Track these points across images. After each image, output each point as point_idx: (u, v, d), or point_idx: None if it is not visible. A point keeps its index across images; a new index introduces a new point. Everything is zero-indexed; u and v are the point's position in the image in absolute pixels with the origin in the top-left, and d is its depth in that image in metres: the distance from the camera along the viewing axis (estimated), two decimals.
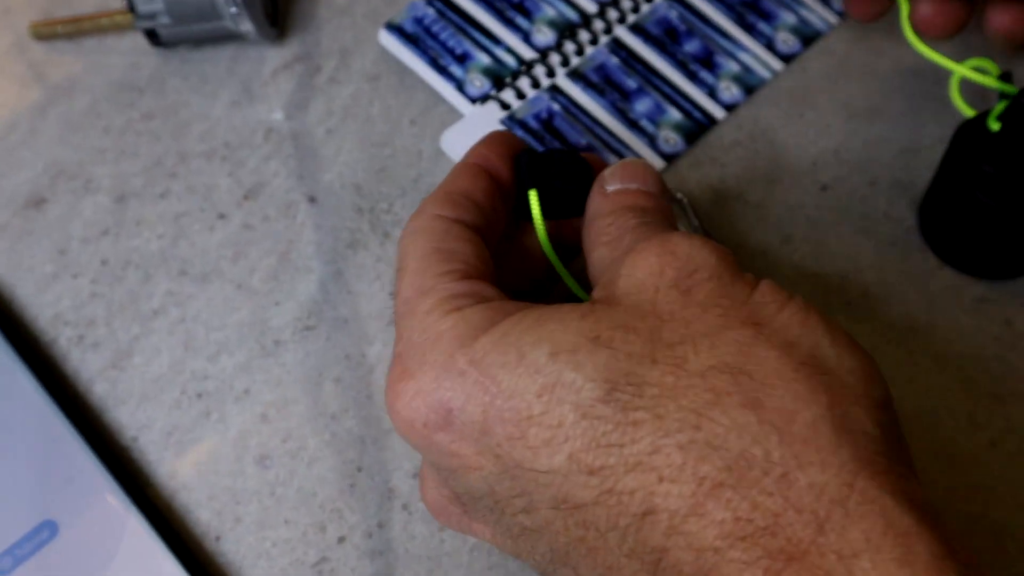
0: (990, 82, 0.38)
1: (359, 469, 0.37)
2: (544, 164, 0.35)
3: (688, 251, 0.28)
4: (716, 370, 0.25)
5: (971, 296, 0.41)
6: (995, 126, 0.37)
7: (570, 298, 0.35)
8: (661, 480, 0.25)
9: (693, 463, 0.24)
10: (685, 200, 0.42)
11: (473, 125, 0.44)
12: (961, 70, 0.39)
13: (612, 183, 0.34)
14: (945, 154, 0.40)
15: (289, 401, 0.39)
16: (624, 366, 0.26)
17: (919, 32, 0.41)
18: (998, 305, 0.41)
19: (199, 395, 0.39)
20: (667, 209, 0.34)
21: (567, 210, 0.35)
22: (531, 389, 0.26)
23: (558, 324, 0.27)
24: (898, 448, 0.26)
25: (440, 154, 0.44)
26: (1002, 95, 0.38)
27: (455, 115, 0.45)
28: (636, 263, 0.28)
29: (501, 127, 0.44)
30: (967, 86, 0.41)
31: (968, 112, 0.39)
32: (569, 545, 0.26)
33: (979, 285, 0.41)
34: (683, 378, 0.25)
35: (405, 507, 0.37)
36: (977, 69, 0.39)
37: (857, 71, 0.46)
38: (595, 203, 0.34)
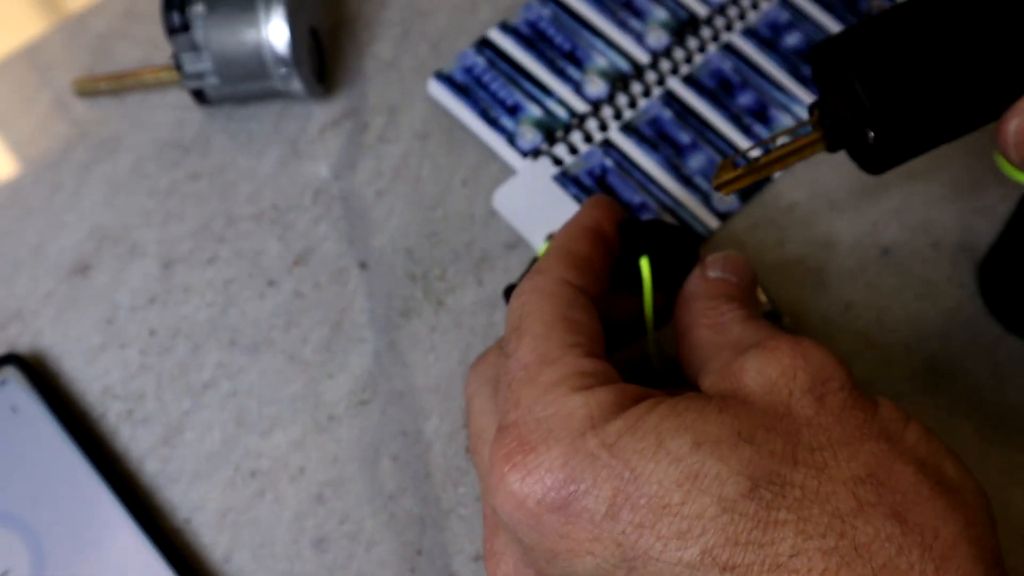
0: None
1: (419, 552, 0.37)
2: (653, 234, 0.36)
3: (821, 359, 0.28)
4: (859, 479, 0.26)
5: None
6: None
7: (636, 366, 0.36)
8: None
9: (835, 569, 0.24)
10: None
11: (526, 182, 0.44)
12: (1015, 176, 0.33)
13: (714, 270, 0.34)
14: (1010, 219, 0.39)
15: (345, 480, 0.38)
16: (768, 464, 0.26)
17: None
18: None
19: (253, 473, 0.38)
20: (758, 307, 0.34)
21: (667, 283, 0.36)
22: (671, 477, 0.26)
23: (697, 415, 0.27)
24: (1004, 570, 0.27)
25: (492, 216, 0.43)
26: None
27: (506, 172, 0.44)
28: (768, 361, 0.28)
29: (555, 184, 0.44)
30: None
31: None
32: None
33: None
34: (826, 483, 0.26)
35: None
36: None
37: None
38: (694, 284, 0.34)
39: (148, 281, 0.42)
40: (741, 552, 0.25)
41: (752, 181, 0.33)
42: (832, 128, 0.32)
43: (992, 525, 0.27)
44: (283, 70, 0.42)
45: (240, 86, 0.44)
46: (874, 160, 0.32)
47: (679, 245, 0.36)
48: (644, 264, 0.34)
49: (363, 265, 0.42)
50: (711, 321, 0.32)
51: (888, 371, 0.40)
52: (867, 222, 0.43)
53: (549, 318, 0.30)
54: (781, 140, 0.33)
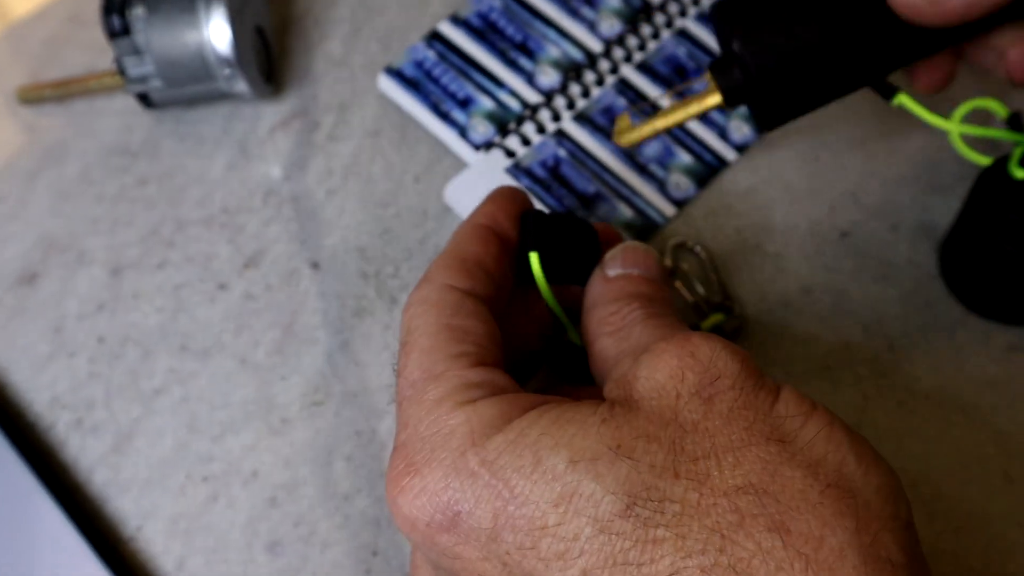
0: (995, 133, 0.36)
1: (374, 553, 0.36)
2: (550, 227, 0.34)
3: (709, 355, 0.27)
4: (741, 490, 0.25)
5: (1000, 345, 0.40)
6: (1019, 174, 0.36)
7: (574, 353, 0.35)
8: None
9: None
10: (703, 254, 0.41)
11: (478, 175, 0.43)
12: (954, 129, 0.35)
13: (613, 267, 0.33)
14: (967, 202, 0.39)
15: (299, 482, 0.37)
16: (646, 479, 0.25)
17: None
18: None
19: (205, 479, 0.37)
20: (670, 297, 0.33)
21: (569, 277, 0.34)
22: (547, 498, 0.25)
23: (578, 428, 0.26)
24: (922, 572, 0.25)
25: (446, 212, 0.43)
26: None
27: (459, 167, 0.44)
28: (656, 365, 0.27)
29: (507, 176, 0.43)
30: (978, 118, 0.39)
31: (980, 160, 0.37)
32: None
33: (1008, 332, 0.40)
34: (707, 496, 0.25)
35: None
36: (979, 110, 0.36)
37: (869, 108, 0.44)
38: (596, 289, 0.33)
39: (96, 289, 0.41)
40: (620, 573, 0.24)
41: (652, 134, 0.35)
42: (726, 85, 0.34)
43: (904, 528, 0.25)
44: (227, 71, 0.42)
45: (185, 88, 0.43)
46: (762, 117, 0.34)
47: (578, 238, 0.35)
48: (534, 258, 0.33)
49: (315, 265, 0.42)
50: (613, 328, 0.31)
51: (848, 353, 0.39)
52: (825, 205, 0.43)
53: (433, 329, 0.29)
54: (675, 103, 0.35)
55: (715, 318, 0.39)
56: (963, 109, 0.36)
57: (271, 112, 0.45)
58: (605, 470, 0.25)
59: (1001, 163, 0.37)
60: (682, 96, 0.34)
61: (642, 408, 0.27)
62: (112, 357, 0.40)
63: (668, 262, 0.41)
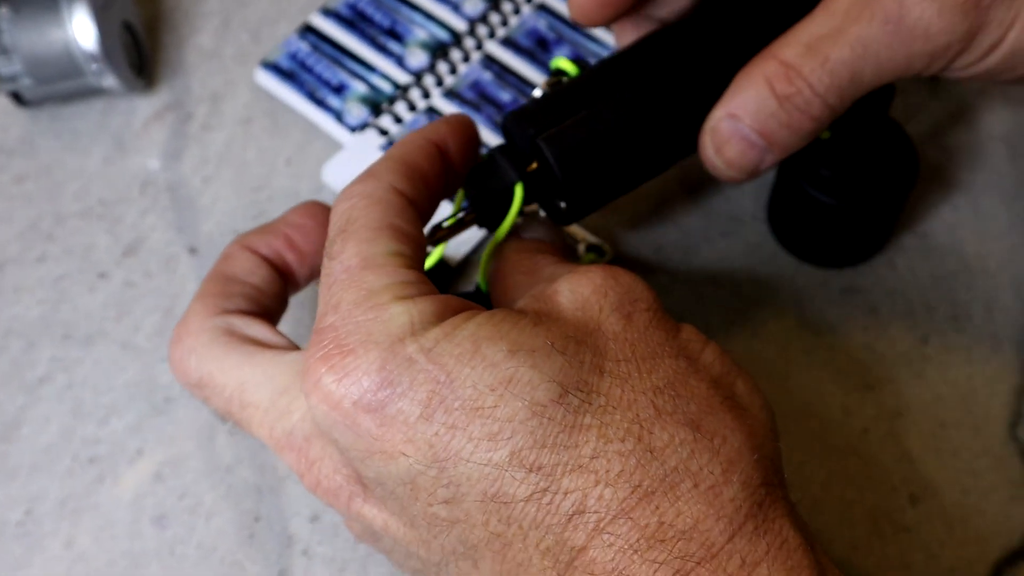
0: None
1: (256, 519, 0.38)
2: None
3: (630, 281, 0.30)
4: (659, 390, 0.28)
5: (837, 287, 0.43)
6: (825, 134, 0.39)
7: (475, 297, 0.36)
8: (597, 483, 0.26)
9: (631, 470, 0.26)
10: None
11: (353, 155, 0.45)
12: None
13: (528, 232, 0.36)
14: (782, 162, 0.42)
15: (183, 457, 0.39)
16: (577, 373, 0.27)
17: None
18: (863, 294, 0.42)
19: (91, 460, 0.39)
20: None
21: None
22: (485, 381, 0.27)
23: (513, 325, 0.28)
24: (783, 477, 0.29)
25: (319, 192, 0.45)
26: None
27: (332, 148, 0.46)
28: (581, 281, 0.30)
29: (381, 153, 0.45)
30: None
31: None
32: (483, 539, 0.27)
33: (844, 276, 0.43)
34: (628, 392, 0.28)
35: (305, 552, 0.38)
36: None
37: None
38: (512, 244, 0.35)
39: None
40: (548, 453, 0.26)
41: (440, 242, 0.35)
42: (481, 202, 0.35)
43: (774, 439, 0.29)
44: (95, 66, 0.43)
45: (57, 86, 0.44)
46: (563, 217, 0.35)
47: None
48: (519, 189, 0.34)
49: (193, 251, 0.43)
50: (526, 268, 0.34)
51: (699, 304, 0.42)
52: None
53: (376, 224, 0.30)
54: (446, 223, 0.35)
55: (589, 257, 0.42)
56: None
57: (145, 105, 0.47)
58: (542, 361, 0.27)
59: None
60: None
61: (568, 318, 0.29)
62: None
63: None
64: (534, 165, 0.34)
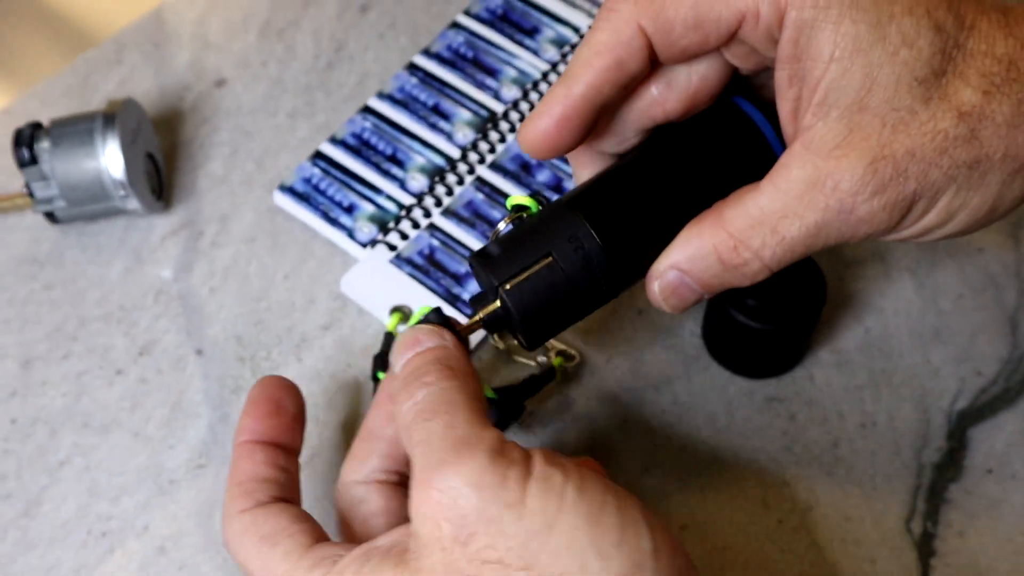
0: None
1: None
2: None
3: (453, 499, 0.31)
4: None
5: (762, 396, 0.49)
6: None
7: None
8: None
9: None
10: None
11: (368, 267, 0.52)
12: None
13: (396, 361, 0.37)
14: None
15: (184, 533, 0.45)
16: None
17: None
18: (784, 403, 0.49)
19: (103, 534, 0.45)
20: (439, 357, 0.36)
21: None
22: None
23: None
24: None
25: (310, 304, 0.51)
26: None
27: (322, 268, 0.52)
28: (418, 512, 0.32)
29: (392, 267, 0.51)
30: None
31: None
32: None
33: (768, 386, 0.49)
34: None
35: None
36: None
37: None
38: (388, 384, 0.39)
39: (8, 379, 0.48)
40: None
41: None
42: (489, 318, 0.38)
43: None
44: (122, 192, 0.50)
45: (86, 207, 0.51)
46: (527, 340, 0.38)
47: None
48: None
49: (199, 352, 0.50)
50: (402, 425, 0.35)
51: (640, 409, 0.49)
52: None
53: (255, 553, 0.36)
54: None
55: (558, 360, 0.49)
56: None
57: (162, 223, 0.53)
58: None
59: None
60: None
61: (426, 557, 0.32)
62: (23, 436, 0.47)
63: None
64: (496, 304, 0.37)
